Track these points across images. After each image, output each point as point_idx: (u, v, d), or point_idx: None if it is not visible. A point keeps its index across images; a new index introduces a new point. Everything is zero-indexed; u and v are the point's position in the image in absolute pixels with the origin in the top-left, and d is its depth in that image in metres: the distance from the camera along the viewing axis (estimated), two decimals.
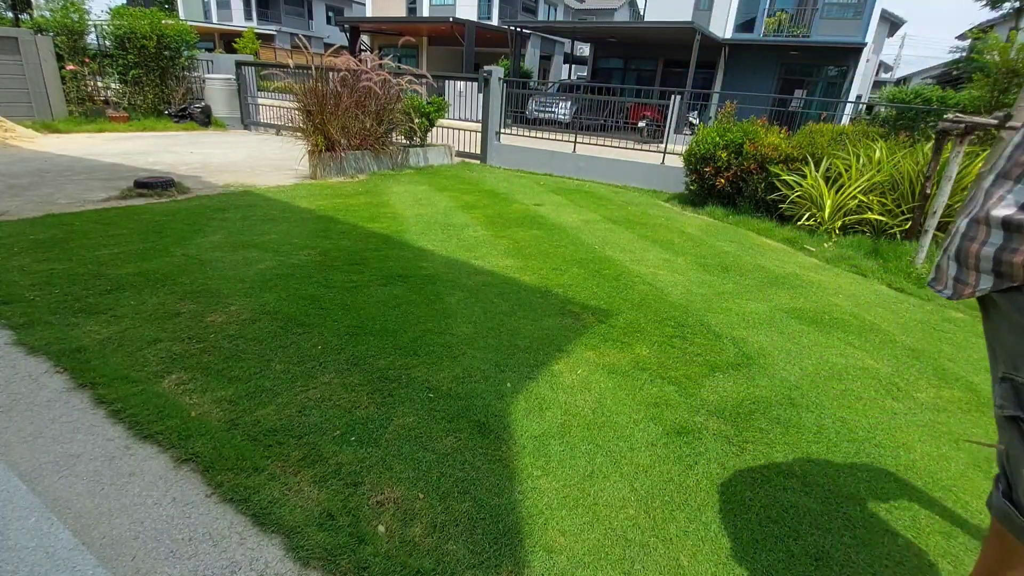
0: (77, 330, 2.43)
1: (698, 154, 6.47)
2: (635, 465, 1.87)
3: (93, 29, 10.13)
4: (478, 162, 9.22)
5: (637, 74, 21.49)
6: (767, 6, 18.28)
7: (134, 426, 1.84)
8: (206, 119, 10.84)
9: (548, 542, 1.52)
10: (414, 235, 4.39)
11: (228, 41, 29.52)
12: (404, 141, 8.32)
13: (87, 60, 10.01)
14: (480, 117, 9.09)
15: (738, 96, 9.26)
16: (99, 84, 10.44)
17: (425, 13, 25.53)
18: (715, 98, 14.58)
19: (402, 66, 7.82)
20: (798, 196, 5.55)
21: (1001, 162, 0.95)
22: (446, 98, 9.07)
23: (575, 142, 8.99)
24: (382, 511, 1.57)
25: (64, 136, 8.42)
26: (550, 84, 20.75)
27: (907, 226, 4.98)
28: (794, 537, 1.62)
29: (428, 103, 8.35)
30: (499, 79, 8.66)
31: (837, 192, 5.34)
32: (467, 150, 9.43)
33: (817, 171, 5.53)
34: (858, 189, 5.22)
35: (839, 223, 5.26)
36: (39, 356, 2.22)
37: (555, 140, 9.55)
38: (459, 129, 9.34)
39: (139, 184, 5.06)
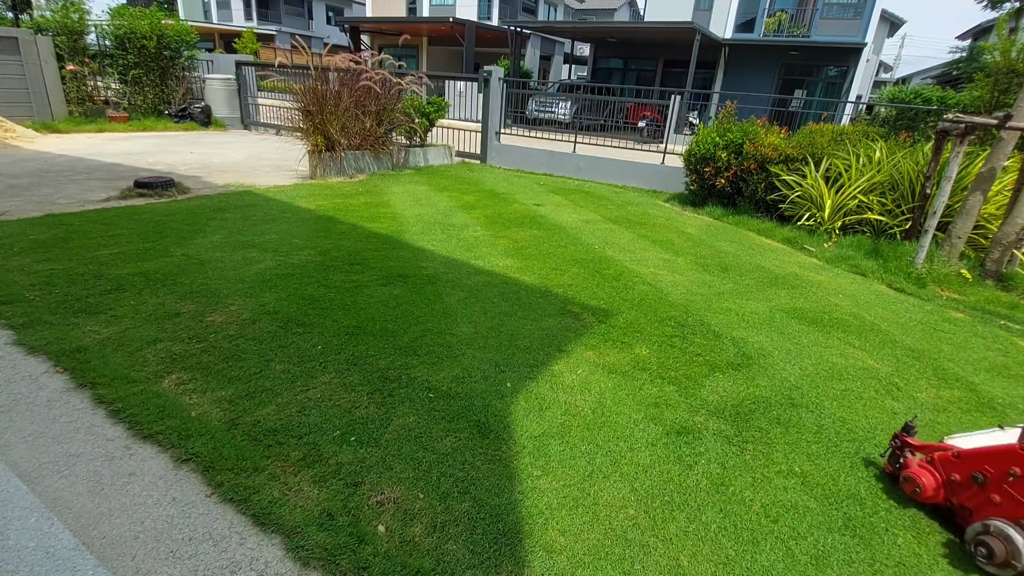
0: (77, 330, 2.43)
1: (698, 154, 6.46)
2: (635, 465, 1.87)
3: (93, 29, 10.13)
4: (478, 162, 9.22)
5: (637, 74, 21.49)
6: (767, 6, 18.28)
7: (134, 426, 1.84)
8: (206, 119, 10.84)
9: (548, 542, 1.52)
10: (414, 235, 4.39)
11: (228, 41, 29.53)
12: (404, 141, 8.32)
13: (87, 60, 10.01)
14: (480, 117, 9.09)
15: (738, 96, 9.26)
16: (99, 84, 10.44)
17: (425, 13, 25.53)
18: (715, 98, 14.59)
19: (403, 65, 7.81)
20: (798, 196, 5.54)
21: None
22: (446, 98, 9.07)
23: (575, 142, 8.99)
24: (382, 511, 1.57)
25: (64, 136, 8.42)
26: (550, 84, 20.76)
27: (907, 226, 4.98)
28: (794, 537, 1.62)
29: (428, 103, 8.35)
30: (499, 79, 8.66)
31: (837, 192, 5.33)
32: (467, 150, 9.42)
33: (817, 171, 5.53)
34: (858, 189, 5.22)
35: (839, 223, 5.26)
36: (39, 356, 2.22)
37: (555, 140, 9.55)
38: (459, 129, 9.34)
39: (139, 184, 5.06)
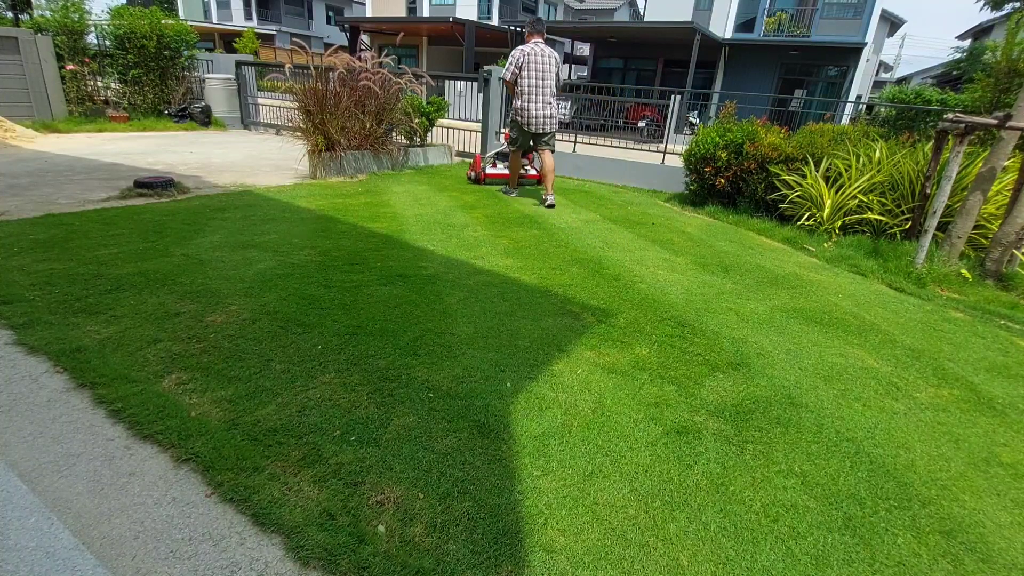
0: (77, 330, 2.43)
1: (698, 154, 6.46)
2: (635, 465, 1.87)
3: (93, 29, 10.13)
4: None
5: (637, 74, 21.48)
6: (767, 6, 18.27)
7: (134, 426, 1.84)
8: (206, 119, 10.83)
9: (548, 542, 1.52)
10: (414, 235, 4.39)
11: (228, 41, 29.53)
12: (404, 141, 8.31)
13: (87, 60, 10.00)
14: (480, 117, 9.09)
15: (738, 96, 9.26)
16: (99, 84, 10.44)
17: (425, 13, 25.52)
18: (715, 98, 14.58)
19: (402, 66, 7.81)
20: (798, 196, 5.54)
21: None
22: (446, 98, 9.06)
23: (575, 142, 8.99)
24: (382, 511, 1.57)
25: (64, 136, 8.42)
26: None
27: (907, 226, 4.98)
28: (794, 537, 1.62)
29: (428, 103, 8.34)
30: (499, 79, 8.66)
31: (837, 192, 5.33)
32: (467, 150, 9.42)
33: (817, 171, 5.53)
34: (858, 189, 5.22)
35: (839, 223, 5.26)
36: (39, 356, 2.22)
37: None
38: (459, 129, 9.34)
39: (139, 184, 5.06)
